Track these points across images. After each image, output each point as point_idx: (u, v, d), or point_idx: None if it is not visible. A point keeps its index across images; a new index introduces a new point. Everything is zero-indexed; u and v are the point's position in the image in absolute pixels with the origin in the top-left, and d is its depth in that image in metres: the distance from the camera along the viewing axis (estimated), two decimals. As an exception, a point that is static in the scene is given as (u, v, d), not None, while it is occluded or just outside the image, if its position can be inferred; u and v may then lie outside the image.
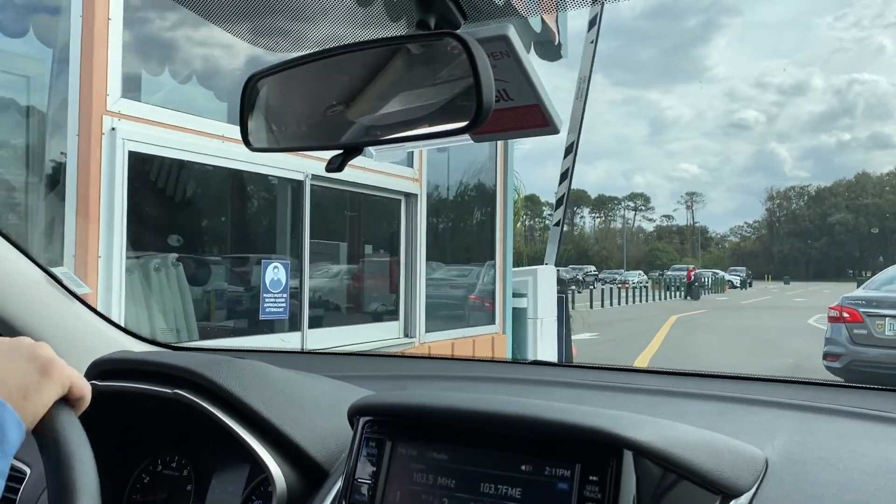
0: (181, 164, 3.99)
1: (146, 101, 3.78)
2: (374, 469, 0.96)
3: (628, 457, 0.82)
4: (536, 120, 0.92)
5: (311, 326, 4.59)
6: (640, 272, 59.34)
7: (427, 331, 5.69)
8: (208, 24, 0.91)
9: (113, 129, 3.43)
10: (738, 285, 56.92)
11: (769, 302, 33.80)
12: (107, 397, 1.27)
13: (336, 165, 0.75)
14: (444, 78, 0.75)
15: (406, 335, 5.53)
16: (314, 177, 4.54)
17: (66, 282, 1.63)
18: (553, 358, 7.26)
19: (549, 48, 6.86)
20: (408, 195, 5.60)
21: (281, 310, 4.29)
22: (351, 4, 0.90)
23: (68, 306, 1.60)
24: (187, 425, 1.28)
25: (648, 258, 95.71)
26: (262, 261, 4.31)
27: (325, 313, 5.19)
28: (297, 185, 4.56)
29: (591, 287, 36.76)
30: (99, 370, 1.28)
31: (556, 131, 0.95)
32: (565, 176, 9.87)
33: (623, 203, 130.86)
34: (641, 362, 11.63)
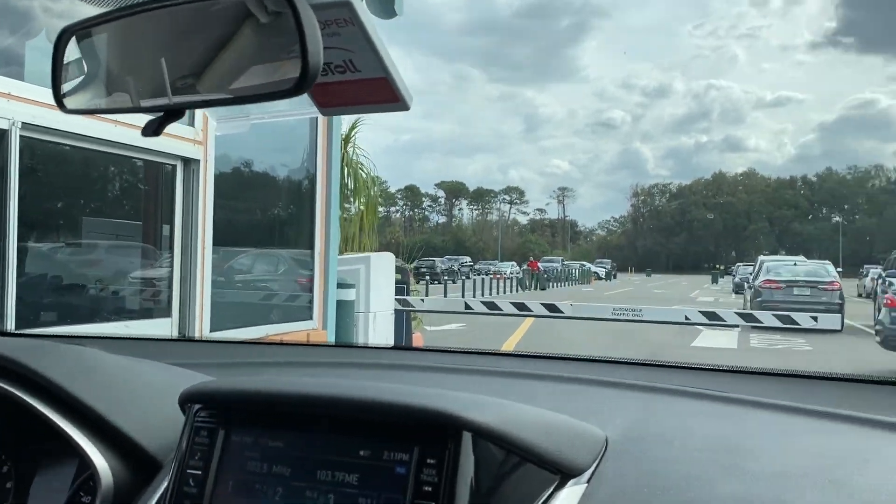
0: None
1: None
2: (205, 459, 0.90)
3: (467, 438, 0.81)
4: (385, 94, 0.89)
5: (23, 326, 3.64)
6: (514, 263, 60.94)
7: (215, 328, 4.87)
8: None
9: None
10: (603, 277, 59.71)
11: (631, 293, 35.66)
12: None
13: (153, 129, 0.69)
14: (279, 41, 0.71)
15: (182, 334, 4.70)
16: (28, 126, 3.65)
17: None
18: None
19: (381, 4, 6.00)
20: (186, 161, 4.67)
21: None
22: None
23: None
24: (6, 417, 1.17)
25: (522, 249, 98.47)
26: None
27: (56, 309, 4.25)
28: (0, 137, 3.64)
29: (466, 277, 37.40)
30: None
31: (405, 108, 0.92)
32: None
33: (499, 196, 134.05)
34: (506, 349, 11.94)
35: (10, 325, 3.54)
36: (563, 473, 0.89)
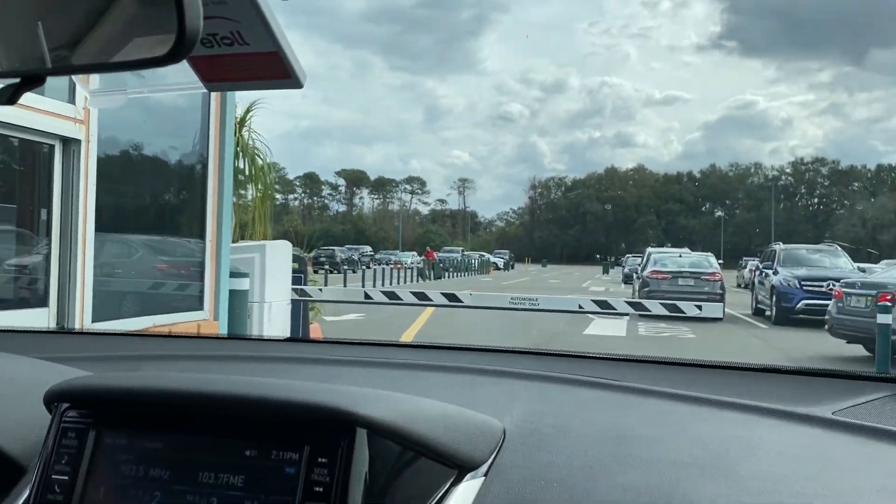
0: None
1: None
2: (73, 463, 0.82)
3: (361, 435, 0.77)
4: (277, 70, 0.84)
5: None
6: (415, 253, 61.15)
7: (97, 318, 4.61)
8: None
9: None
10: (501, 267, 60.90)
11: (527, 283, 36.48)
12: None
13: (7, 97, 0.61)
14: (158, 5, 0.64)
15: (61, 325, 4.41)
16: None
17: None
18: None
19: None
20: (66, 140, 4.41)
21: None
22: None
23: None
24: None
25: (423, 240, 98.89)
26: None
27: None
28: None
29: (366, 267, 37.19)
30: None
31: (299, 85, 0.88)
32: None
33: (401, 186, 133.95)
34: (406, 339, 11.95)
35: None
36: (461, 467, 0.87)
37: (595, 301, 8.26)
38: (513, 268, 64.90)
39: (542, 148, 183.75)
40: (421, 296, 7.95)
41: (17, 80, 0.62)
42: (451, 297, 7.81)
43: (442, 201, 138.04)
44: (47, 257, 4.45)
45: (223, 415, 0.81)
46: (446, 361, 1.37)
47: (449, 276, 41.45)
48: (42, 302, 4.43)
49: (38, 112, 4.01)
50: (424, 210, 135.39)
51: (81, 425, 0.84)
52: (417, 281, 35.28)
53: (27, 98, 0.68)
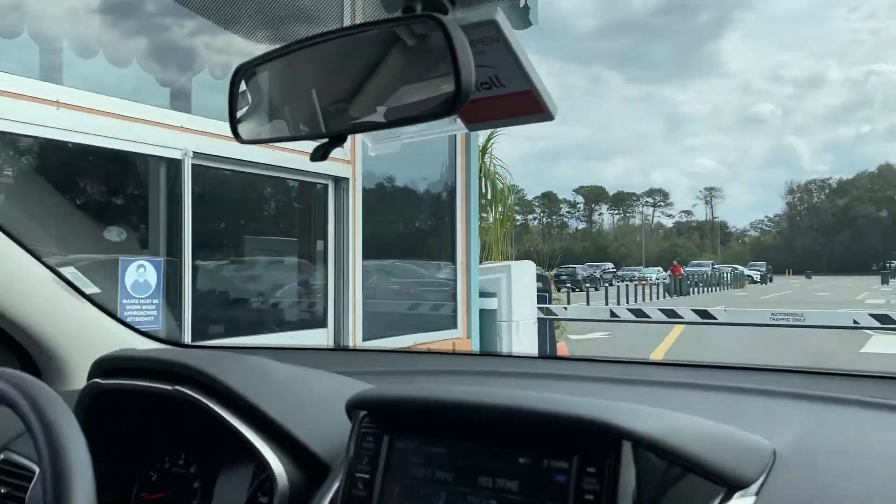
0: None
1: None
2: (372, 464, 0.95)
3: (627, 448, 0.80)
4: (530, 107, 0.91)
5: (197, 338, 3.89)
6: (659, 268, 58.92)
7: (366, 337, 5.05)
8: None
9: None
10: (758, 280, 56.47)
11: (790, 297, 33.42)
12: (111, 395, 1.27)
13: (320, 154, 0.74)
14: (427, 62, 0.74)
15: (337, 343, 4.91)
16: (198, 155, 3.98)
17: (74, 282, 1.64)
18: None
19: (518, 15, 5.66)
20: (337, 179, 4.93)
21: (151, 318, 3.61)
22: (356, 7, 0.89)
23: (77, 306, 1.61)
24: (192, 422, 1.28)
25: (668, 254, 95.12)
26: (121, 260, 3.66)
27: (215, 324, 4.48)
28: (174, 166, 3.98)
29: (608, 284, 36.57)
30: (102, 368, 1.28)
31: (550, 118, 0.94)
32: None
33: (642, 199, 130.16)
34: (655, 358, 11.52)
35: (188, 336, 3.88)
36: (730, 485, 0.86)
37: (874, 315, 7.36)
38: (771, 280, 59.89)
39: (799, 148, 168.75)
40: (670, 313, 7.66)
41: (326, 139, 0.76)
42: (703, 314, 7.44)
43: (687, 213, 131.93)
44: (325, 283, 5.03)
45: (499, 424, 0.88)
46: (703, 380, 1.34)
47: (698, 292, 39.33)
48: (322, 323, 5.03)
49: (332, 160, 4.53)
50: (668, 223, 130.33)
51: (377, 431, 0.96)
52: (664, 297, 33.95)
53: (305, 144, 0.81)
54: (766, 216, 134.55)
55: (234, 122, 0.86)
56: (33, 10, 4.02)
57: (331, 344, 4.88)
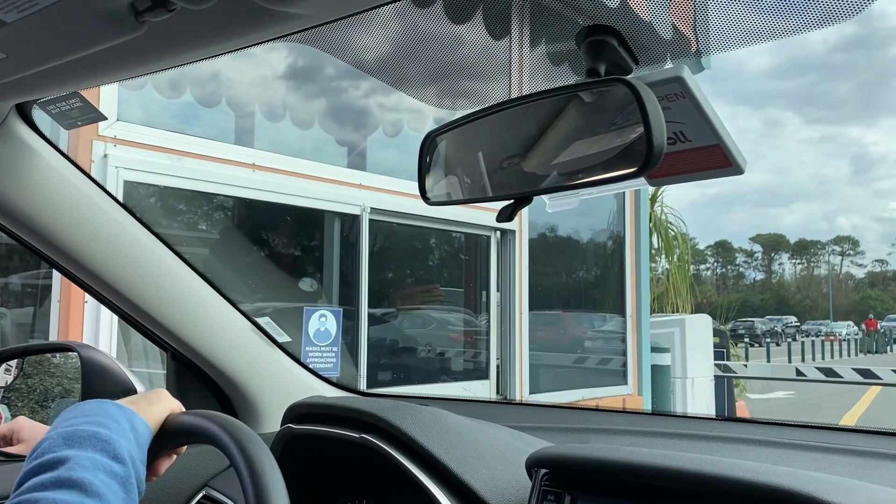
0: (194, 196, 3.76)
1: (153, 125, 3.56)
2: None
3: None
4: (717, 161, 0.89)
5: (371, 384, 4.10)
6: (850, 323, 53.81)
7: (533, 391, 5.02)
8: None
9: (105, 155, 3.14)
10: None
11: None
12: (302, 440, 1.35)
13: (507, 215, 0.77)
14: (614, 124, 0.75)
15: (503, 395, 4.88)
16: (374, 210, 4.23)
17: (269, 331, 1.77)
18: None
19: (687, 58, 5.95)
20: (503, 231, 5.02)
21: (330, 365, 3.78)
22: (516, 58, 0.93)
23: (271, 353, 1.74)
24: (375, 469, 1.33)
25: (859, 307, 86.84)
26: (305, 309, 3.89)
27: (391, 371, 4.68)
28: (353, 220, 4.27)
29: (791, 339, 33.90)
30: (294, 414, 1.36)
31: (739, 172, 0.91)
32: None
33: (828, 248, 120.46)
34: (848, 423, 10.46)
35: (363, 383, 4.07)
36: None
37: None
38: None
39: None
40: (866, 373, 6.94)
41: (512, 201, 0.78)
42: (906, 375, 6.68)
43: (881, 262, 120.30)
44: (488, 334, 5.08)
45: (687, 490, 0.85)
46: None
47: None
48: (484, 375, 5.06)
49: (481, 209, 4.71)
50: (859, 273, 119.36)
51: (558, 490, 0.95)
52: (856, 355, 30.90)
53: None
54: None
55: (422, 185, 0.90)
56: (227, 78, 4.49)
57: (493, 396, 4.89)
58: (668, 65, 0.85)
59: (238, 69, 4.54)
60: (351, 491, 1.42)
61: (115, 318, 2.89)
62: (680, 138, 0.87)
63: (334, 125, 5.09)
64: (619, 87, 0.70)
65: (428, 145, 0.90)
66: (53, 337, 3.22)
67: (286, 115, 4.69)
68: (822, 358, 27.18)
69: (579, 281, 6.73)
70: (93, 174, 3.09)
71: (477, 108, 0.83)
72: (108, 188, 3.09)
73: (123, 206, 1.47)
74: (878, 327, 39.08)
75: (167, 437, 0.96)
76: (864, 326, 39.11)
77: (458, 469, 1.12)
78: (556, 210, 1.12)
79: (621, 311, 6.17)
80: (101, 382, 1.39)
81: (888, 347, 35.27)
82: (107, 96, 3.28)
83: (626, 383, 6.00)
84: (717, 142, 0.86)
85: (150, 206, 3.77)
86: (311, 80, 5.11)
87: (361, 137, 5.20)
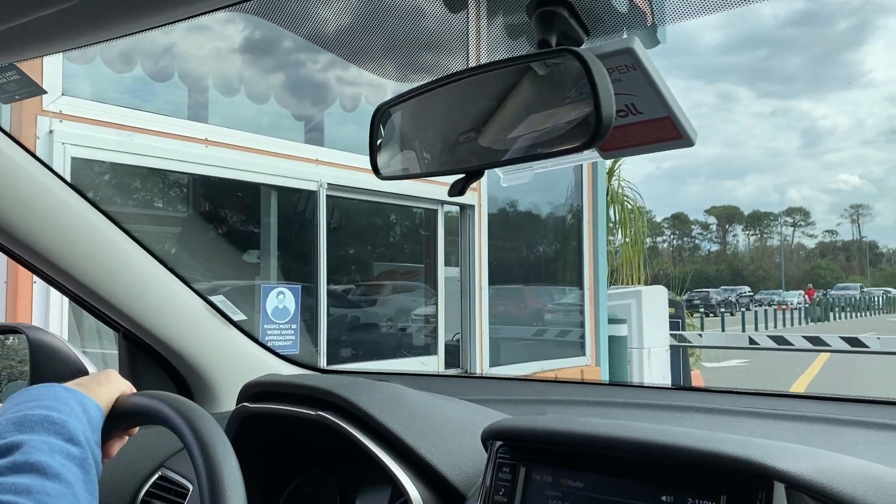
0: (146, 173, 3.68)
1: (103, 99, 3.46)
2: (509, 495, 0.95)
3: (780, 489, 0.76)
4: (668, 133, 0.89)
5: (331, 361, 4.07)
6: (801, 292, 55.38)
7: (493, 364, 5.07)
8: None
9: (51, 131, 3.06)
10: (917, 303, 51.87)
11: (955, 322, 30.49)
12: (257, 418, 1.34)
13: (458, 190, 0.76)
14: (565, 96, 0.74)
15: (464, 369, 4.90)
16: (332, 186, 4.20)
17: (223, 309, 1.74)
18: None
19: (642, 32, 5.99)
20: (462, 206, 5.04)
21: (290, 342, 3.76)
22: (473, 31, 0.91)
23: (226, 332, 1.71)
24: (333, 445, 1.33)
25: (810, 277, 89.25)
26: (263, 286, 3.85)
27: (343, 347, 4.65)
28: (310, 197, 4.23)
29: (745, 309, 34.76)
30: (250, 393, 1.35)
31: (690, 143, 0.92)
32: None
33: (780, 219, 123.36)
34: (798, 389, 10.81)
35: (323, 360, 4.05)
36: (894, 533, 0.79)
37: None
38: (931, 304, 54.89)
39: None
40: (815, 340, 7.14)
41: (463, 175, 0.77)
42: (853, 342, 6.90)
43: (831, 232, 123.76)
44: (436, 311, 5.08)
45: (640, 460, 0.86)
46: (854, 415, 1.24)
47: (845, 317, 36.62)
48: (433, 350, 5.06)
49: (440, 184, 4.68)
50: (810, 244, 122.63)
51: (513, 462, 0.96)
52: (806, 323, 31.84)
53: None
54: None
55: (374, 159, 0.89)
56: (181, 51, 4.38)
57: (456, 369, 4.92)
58: (623, 36, 0.84)
59: (192, 42, 4.43)
60: (309, 468, 1.41)
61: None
62: (631, 110, 0.87)
63: (291, 99, 5.01)
64: (569, 59, 0.70)
65: (379, 118, 0.89)
66: (0, 319, 3.14)
67: (241, 90, 4.60)
68: (775, 326, 27.93)
69: (539, 255, 6.78)
70: (38, 151, 3.03)
71: (424, 81, 0.82)
72: (55, 165, 3.02)
73: (69, 184, 1.43)
74: (815, 297, 40.31)
75: (118, 419, 0.95)
76: (805, 296, 40.34)
77: (414, 443, 1.12)
78: (511, 184, 1.12)
79: (579, 283, 6.23)
80: (50, 365, 1.36)
81: (840, 315, 36.37)
82: (51, 71, 3.17)
83: (584, 354, 6.08)
84: (667, 114, 0.86)
85: (99, 183, 3.67)
86: (267, 52, 5.01)
87: (319, 111, 5.13)
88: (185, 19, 0.87)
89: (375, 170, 0.89)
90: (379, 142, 0.89)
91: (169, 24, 0.89)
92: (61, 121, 3.19)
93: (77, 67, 3.53)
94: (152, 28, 0.91)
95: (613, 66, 0.81)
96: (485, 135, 0.79)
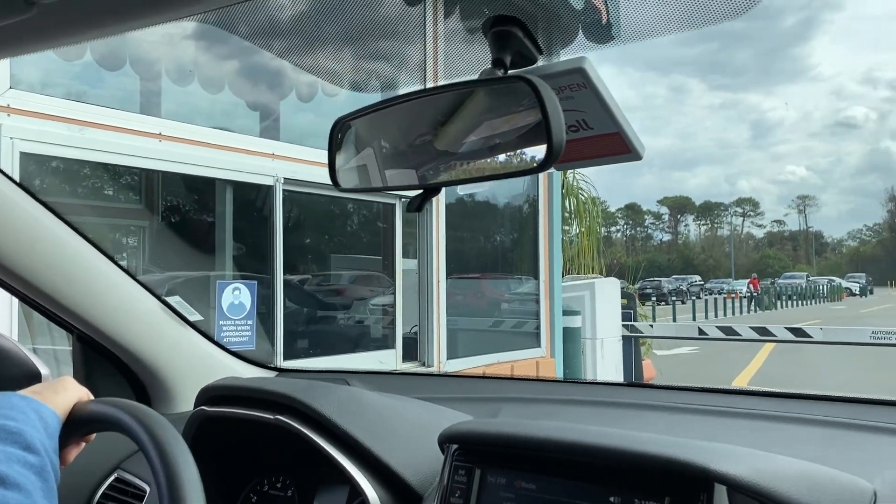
0: (97, 168, 3.62)
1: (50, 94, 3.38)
2: (464, 496, 0.98)
3: (720, 491, 0.80)
4: (617, 147, 0.92)
5: (288, 356, 4.04)
6: (747, 282, 56.78)
7: (451, 356, 5.08)
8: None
9: None
10: (857, 293, 53.64)
11: (893, 311, 31.61)
12: (215, 421, 1.34)
13: (416, 206, 0.78)
14: (519, 118, 0.77)
15: (422, 361, 4.89)
16: (288, 181, 4.16)
17: (179, 310, 1.73)
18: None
19: (596, 29, 6.02)
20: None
21: (246, 338, 3.69)
22: (431, 45, 0.93)
23: (182, 333, 1.70)
24: (291, 448, 1.34)
25: (759, 266, 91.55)
26: (218, 282, 3.78)
27: (301, 341, 4.61)
28: (266, 192, 4.18)
29: (696, 297, 35.52)
30: (207, 396, 1.35)
31: (638, 157, 0.95)
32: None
33: (730, 209, 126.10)
34: (742, 380, 11.12)
35: (279, 356, 4.03)
36: (827, 530, 0.84)
37: None
38: (871, 293, 56.80)
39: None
40: (761, 330, 7.36)
41: (421, 191, 0.79)
42: (798, 332, 7.12)
43: (779, 222, 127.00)
44: (394, 304, 5.05)
45: (589, 462, 0.90)
46: (798, 412, 1.30)
47: (792, 305, 37.69)
48: (391, 344, 5.04)
49: None
50: (759, 233, 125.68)
51: (469, 464, 0.99)
52: (753, 312, 32.69)
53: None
54: (865, 225, 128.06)
55: (332, 171, 0.91)
56: (132, 38, 4.28)
57: (398, 365, 4.91)
58: (581, 41, 0.87)
59: (145, 29, 4.32)
60: (268, 471, 1.42)
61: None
62: (582, 126, 0.90)
63: (245, 88, 4.94)
64: (520, 85, 0.72)
65: (337, 131, 0.90)
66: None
67: (195, 79, 4.52)
68: (724, 314, 28.61)
69: (496, 245, 6.82)
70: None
71: (388, 93, 0.83)
72: (3, 161, 2.92)
73: (17, 182, 1.40)
74: (759, 286, 41.39)
75: (75, 426, 0.95)
76: (750, 286, 41.39)
77: (372, 446, 1.14)
78: (465, 191, 1.14)
79: (535, 274, 6.28)
80: (2, 368, 1.34)
81: (786, 304, 37.40)
82: (-2, 63, 3.08)
83: (539, 346, 6.14)
84: (616, 130, 0.89)
85: (50, 179, 3.58)
86: (221, 40, 4.93)
87: (274, 100, 5.07)
88: (140, 29, 0.87)
89: (335, 181, 0.90)
90: (337, 154, 0.90)
91: (122, 33, 0.88)
92: (9, 115, 3.11)
93: (23, 56, 3.43)
94: (106, 36, 0.91)
95: (566, 84, 0.84)
96: (442, 151, 0.81)
